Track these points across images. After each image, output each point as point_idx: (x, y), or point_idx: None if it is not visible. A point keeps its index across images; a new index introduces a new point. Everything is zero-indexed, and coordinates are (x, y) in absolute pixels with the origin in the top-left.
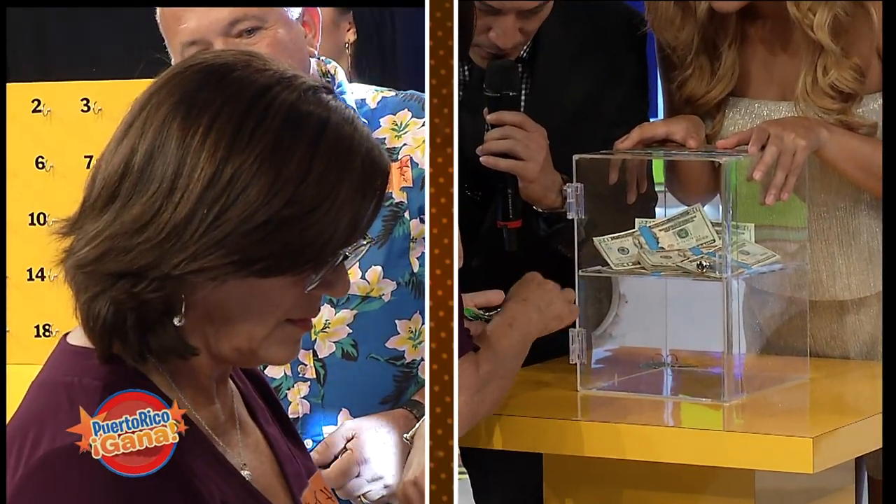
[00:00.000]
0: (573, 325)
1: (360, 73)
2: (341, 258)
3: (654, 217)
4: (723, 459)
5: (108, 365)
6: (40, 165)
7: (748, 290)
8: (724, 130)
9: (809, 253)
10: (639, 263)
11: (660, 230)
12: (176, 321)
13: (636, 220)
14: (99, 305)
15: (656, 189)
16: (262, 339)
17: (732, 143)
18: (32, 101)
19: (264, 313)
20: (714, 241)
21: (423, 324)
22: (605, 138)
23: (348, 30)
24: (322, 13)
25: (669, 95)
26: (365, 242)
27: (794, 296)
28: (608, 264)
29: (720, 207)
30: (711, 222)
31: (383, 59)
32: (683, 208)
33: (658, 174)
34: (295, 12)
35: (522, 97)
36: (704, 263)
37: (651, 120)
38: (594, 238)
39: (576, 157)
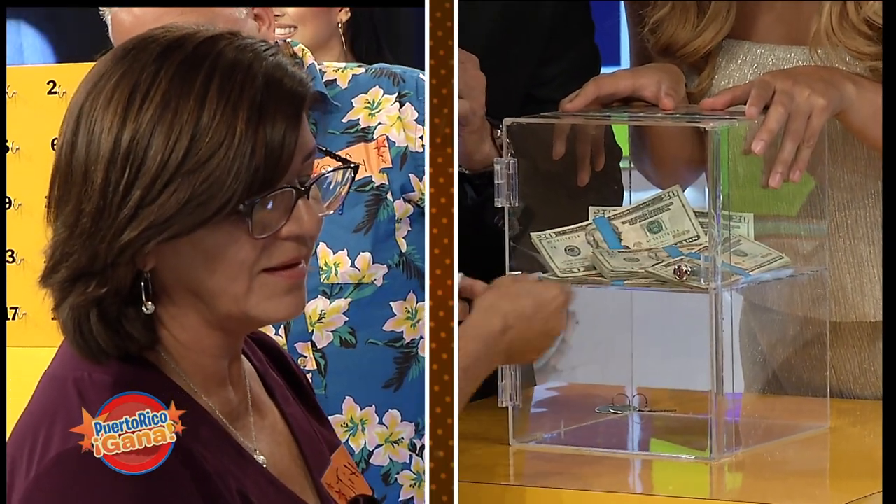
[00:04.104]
0: None
1: (357, 50)
2: (294, 193)
3: (619, 202)
4: None
5: (115, 359)
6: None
7: (746, 305)
8: (714, 86)
9: (830, 255)
10: (594, 268)
11: (623, 222)
12: (144, 310)
13: (590, 208)
14: (64, 315)
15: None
16: (243, 296)
17: (724, 101)
18: (48, 83)
19: (230, 270)
20: (698, 237)
21: (421, 302)
22: (534, 93)
23: (340, 9)
24: None
25: (639, 43)
26: (331, 169)
27: (809, 314)
28: (551, 269)
29: (706, 191)
30: (694, 211)
31: (378, 36)
32: (656, 192)
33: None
34: (243, 9)
35: None
36: (685, 268)
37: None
38: (532, 233)
39: (507, 121)
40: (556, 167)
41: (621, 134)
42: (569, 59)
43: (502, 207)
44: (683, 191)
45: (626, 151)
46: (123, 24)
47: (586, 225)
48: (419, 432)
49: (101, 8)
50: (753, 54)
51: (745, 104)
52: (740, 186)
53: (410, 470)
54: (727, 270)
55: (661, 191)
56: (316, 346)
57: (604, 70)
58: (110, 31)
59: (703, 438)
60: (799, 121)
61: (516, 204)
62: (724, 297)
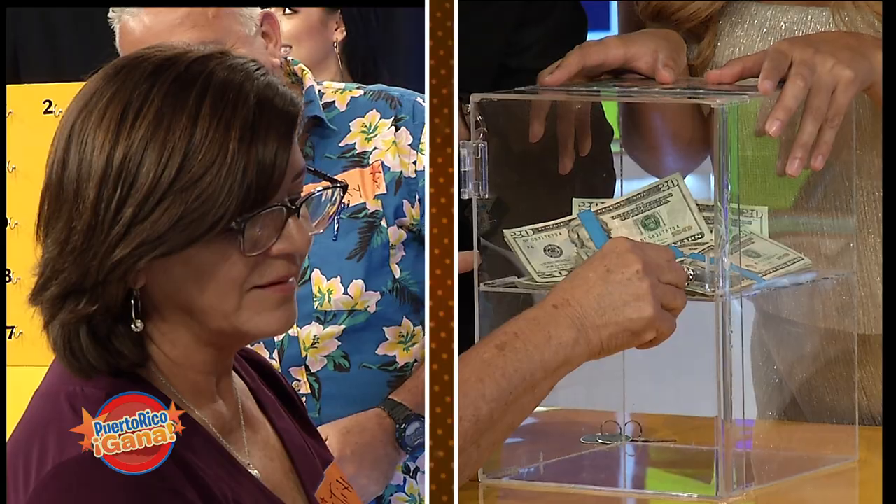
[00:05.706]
0: None
1: (353, 70)
2: (285, 212)
3: (609, 193)
4: None
5: (106, 374)
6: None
7: (759, 316)
8: (718, 55)
9: (857, 255)
10: None
11: (613, 217)
12: (134, 328)
13: (574, 200)
14: (54, 333)
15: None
16: (234, 312)
17: (732, 74)
18: (44, 102)
19: (221, 287)
20: (701, 234)
21: (417, 326)
22: (508, 63)
23: (336, 29)
24: (310, 13)
25: (628, 5)
26: (321, 188)
27: (834, 326)
28: (527, 273)
29: (712, 180)
30: (698, 204)
31: (374, 56)
32: (652, 181)
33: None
34: (252, 26)
35: None
36: (687, 272)
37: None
38: (505, 230)
39: (475, 96)
40: (534, 152)
41: (611, 112)
42: (550, 22)
43: (470, 199)
44: (684, 179)
45: (616, 133)
46: (133, 33)
47: (569, 220)
48: (413, 455)
49: (109, 15)
50: (762, 17)
51: (758, 77)
52: (752, 174)
53: (404, 492)
54: (737, 274)
55: (657, 180)
56: (310, 370)
57: (591, 36)
58: (117, 39)
59: (708, 473)
60: (821, 97)
61: (486, 195)
62: (733, 306)
